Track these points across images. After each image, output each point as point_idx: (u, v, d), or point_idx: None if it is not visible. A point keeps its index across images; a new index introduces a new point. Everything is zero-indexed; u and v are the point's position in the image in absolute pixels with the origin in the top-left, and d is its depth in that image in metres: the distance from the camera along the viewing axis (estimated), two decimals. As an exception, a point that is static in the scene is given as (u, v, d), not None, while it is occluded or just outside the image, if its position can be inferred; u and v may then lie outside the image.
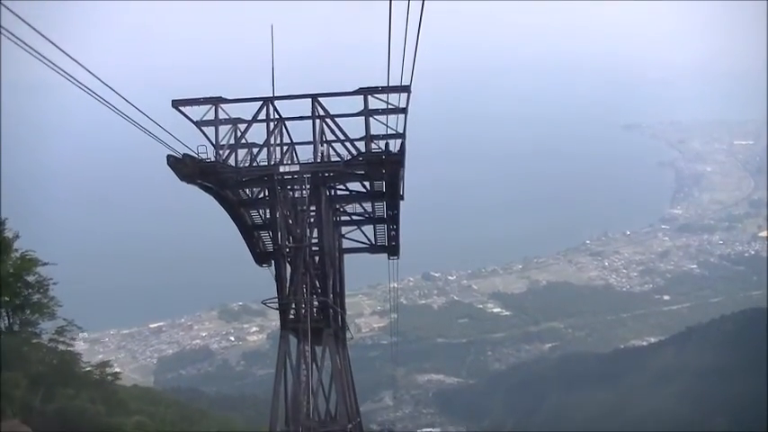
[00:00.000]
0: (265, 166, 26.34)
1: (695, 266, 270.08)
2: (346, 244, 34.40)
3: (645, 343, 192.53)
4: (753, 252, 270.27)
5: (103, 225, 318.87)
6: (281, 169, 25.64)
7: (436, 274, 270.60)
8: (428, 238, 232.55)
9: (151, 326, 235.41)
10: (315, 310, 27.54)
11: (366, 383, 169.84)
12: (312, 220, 27.49)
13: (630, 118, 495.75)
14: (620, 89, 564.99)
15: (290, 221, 27.10)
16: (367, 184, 29.13)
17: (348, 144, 26.24)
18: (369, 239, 34.02)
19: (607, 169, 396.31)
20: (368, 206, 32.00)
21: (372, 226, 33.08)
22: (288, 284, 27.54)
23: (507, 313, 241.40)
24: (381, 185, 28.37)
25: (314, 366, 27.86)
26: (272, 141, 26.74)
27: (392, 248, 34.53)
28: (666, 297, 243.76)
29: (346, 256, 34.54)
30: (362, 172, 26.72)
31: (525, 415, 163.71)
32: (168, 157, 24.01)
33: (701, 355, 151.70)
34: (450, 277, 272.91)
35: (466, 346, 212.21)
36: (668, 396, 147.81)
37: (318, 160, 26.65)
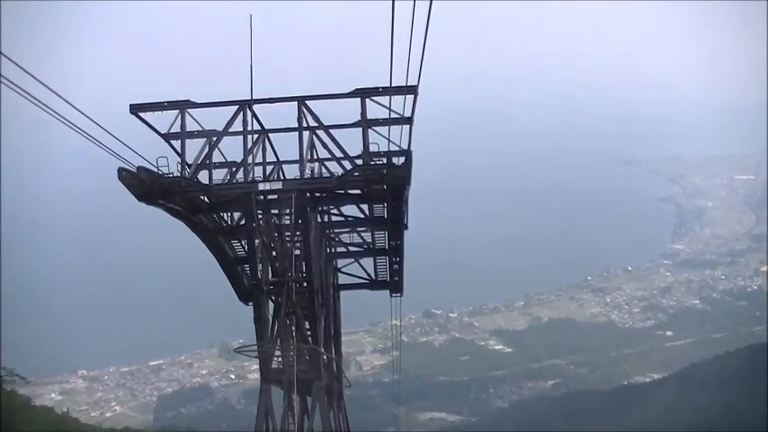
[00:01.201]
0: (241, 183, 22.19)
1: (698, 302, 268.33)
2: (342, 279, 30.84)
3: (648, 379, 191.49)
4: (755, 287, 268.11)
5: (101, 261, 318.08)
6: (261, 187, 21.51)
7: (437, 312, 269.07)
8: (429, 274, 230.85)
9: (151, 363, 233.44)
10: (303, 358, 23.82)
11: (367, 422, 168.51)
12: (299, 250, 23.40)
13: (630, 154, 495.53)
14: (619, 125, 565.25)
15: (274, 252, 23.30)
16: (366, 208, 25.59)
17: (345, 162, 22.16)
18: (368, 274, 30.42)
19: (608, 205, 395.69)
20: (367, 236, 28.71)
21: (372, 258, 29.57)
22: (270, 327, 23.75)
23: (509, 350, 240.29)
24: (382, 211, 24.75)
25: (304, 425, 24.69)
26: (252, 157, 22.83)
27: (395, 284, 30.70)
28: (669, 333, 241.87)
29: (343, 293, 31.21)
30: (360, 191, 22.82)
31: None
32: (120, 171, 20.10)
33: (706, 392, 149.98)
34: (451, 314, 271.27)
35: (468, 383, 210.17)
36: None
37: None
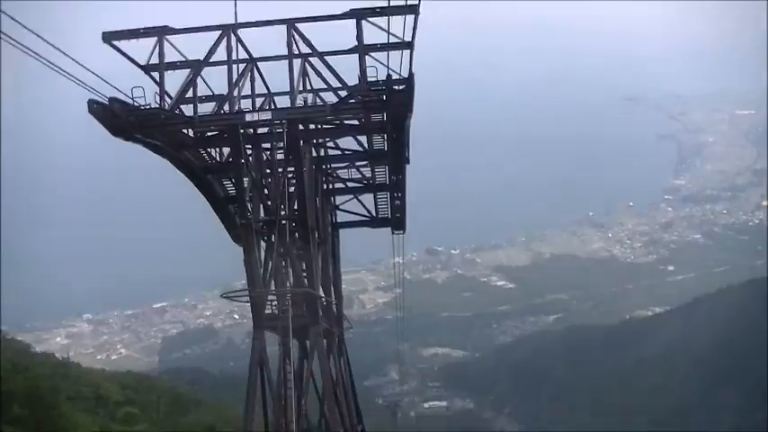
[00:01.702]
0: (227, 114, 19.64)
1: (699, 237, 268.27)
2: (341, 217, 28.31)
3: (650, 314, 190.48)
4: (757, 221, 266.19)
5: (104, 206, 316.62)
6: (248, 118, 19.25)
7: (439, 249, 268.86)
8: (430, 211, 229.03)
9: (155, 306, 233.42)
10: (298, 302, 21.52)
11: (371, 359, 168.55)
12: (294, 188, 21.07)
13: (631, 91, 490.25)
14: (620, 63, 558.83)
15: (266, 191, 21.25)
16: (364, 141, 23.27)
17: (342, 93, 19.76)
18: (369, 211, 27.93)
19: (609, 142, 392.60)
20: (367, 172, 26.03)
21: (372, 195, 26.98)
22: (262, 270, 21.50)
23: (511, 286, 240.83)
24: (382, 143, 22.45)
25: (304, 372, 22.86)
26: (239, 90, 20.29)
27: (396, 221, 28.27)
28: (671, 268, 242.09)
29: (343, 232, 28.79)
30: (357, 122, 20.66)
31: (532, 388, 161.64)
32: (90, 103, 17.60)
33: (708, 327, 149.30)
34: (453, 251, 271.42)
35: (470, 319, 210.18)
36: (676, 368, 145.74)
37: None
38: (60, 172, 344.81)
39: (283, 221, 20.02)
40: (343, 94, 19.69)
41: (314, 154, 22.84)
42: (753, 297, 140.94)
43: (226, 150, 21.97)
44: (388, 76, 18.87)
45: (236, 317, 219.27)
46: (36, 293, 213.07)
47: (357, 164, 25.74)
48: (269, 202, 21.07)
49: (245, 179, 20.86)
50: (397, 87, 18.50)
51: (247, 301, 21.42)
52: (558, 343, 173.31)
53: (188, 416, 56.41)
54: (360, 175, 26.14)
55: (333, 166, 25.56)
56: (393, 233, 29.49)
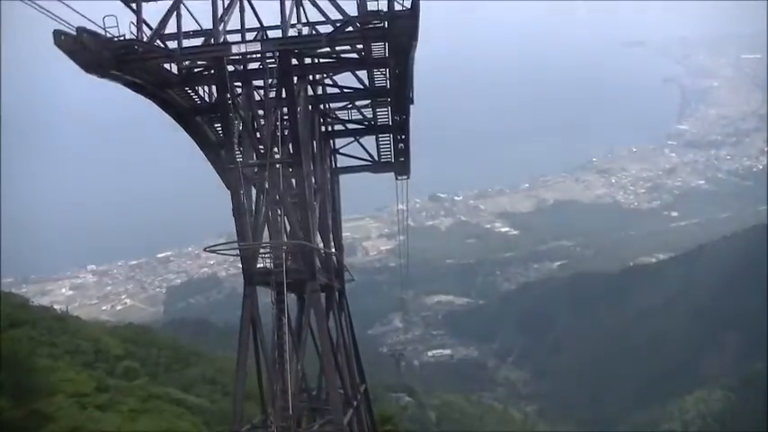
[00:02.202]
0: (211, 45, 17.42)
1: (703, 182, 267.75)
2: (342, 161, 25.76)
3: (654, 260, 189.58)
4: (761, 167, 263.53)
5: (108, 157, 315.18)
6: (235, 49, 17.04)
7: (443, 195, 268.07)
8: (433, 157, 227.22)
9: (158, 256, 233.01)
10: (293, 255, 19.32)
11: (375, 307, 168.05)
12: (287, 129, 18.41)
13: (634, 35, 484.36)
14: (624, 6, 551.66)
15: (258, 134, 18.96)
16: (365, 78, 20.92)
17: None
18: (370, 155, 25.49)
19: (612, 87, 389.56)
20: (368, 112, 23.62)
21: (374, 137, 24.58)
22: (253, 220, 19.21)
23: (515, 233, 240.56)
24: (384, 80, 20.31)
25: (300, 331, 20.22)
26: (224, 24, 17.76)
27: (400, 165, 25.85)
28: (675, 213, 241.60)
29: (344, 177, 26.27)
30: (356, 55, 18.32)
31: (536, 336, 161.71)
32: (56, 34, 15.47)
33: (713, 273, 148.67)
34: (456, 198, 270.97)
35: (474, 266, 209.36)
36: (680, 313, 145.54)
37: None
38: (61, 121, 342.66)
39: (276, 165, 18.02)
40: None
41: (310, 93, 20.63)
42: (757, 243, 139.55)
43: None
44: (390, 2, 16.27)
45: (240, 265, 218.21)
46: (40, 245, 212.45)
47: (358, 104, 23.47)
48: (261, 146, 18.67)
49: (234, 120, 18.58)
50: (400, 14, 16.08)
51: (237, 255, 19.28)
52: (561, 290, 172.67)
53: (189, 369, 55.29)
54: (361, 117, 23.85)
55: (331, 106, 23.19)
56: (396, 178, 27.19)
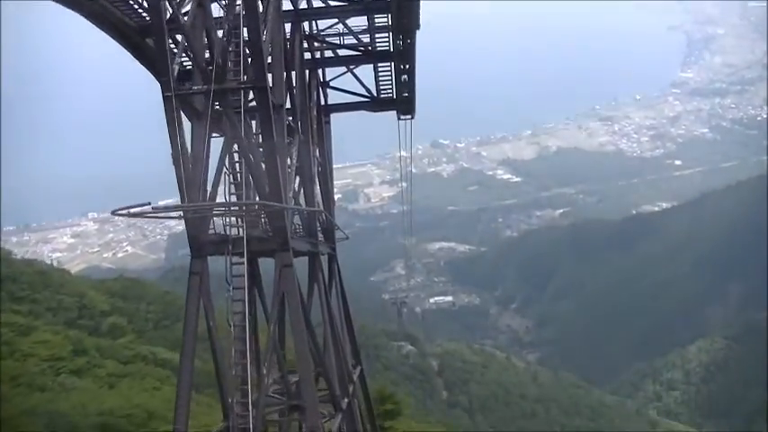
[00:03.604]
0: None
1: (707, 131, 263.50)
2: (333, 98, 20.00)
3: (657, 209, 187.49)
4: (765, 115, 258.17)
5: (110, 103, 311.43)
6: None
7: (445, 142, 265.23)
8: (434, 102, 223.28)
9: (161, 203, 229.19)
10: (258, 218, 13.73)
11: (377, 254, 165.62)
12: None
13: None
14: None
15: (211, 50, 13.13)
16: None
17: None
18: (368, 90, 19.74)
19: (616, 34, 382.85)
20: (365, 37, 18.36)
21: (372, 67, 19.11)
22: (202, 170, 13.27)
23: (517, 180, 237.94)
24: None
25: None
26: None
27: (404, 103, 20.32)
28: (678, 162, 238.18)
29: (339, 117, 20.22)
30: None
31: (539, 283, 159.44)
32: None
33: (716, 222, 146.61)
34: (458, 144, 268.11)
35: (476, 213, 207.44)
36: (683, 262, 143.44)
37: None
38: (66, 64, 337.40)
39: (232, 93, 12.60)
40: None
41: (289, 6, 15.47)
42: (760, 193, 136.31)
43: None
44: None
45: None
46: (42, 194, 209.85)
47: (352, 26, 18.01)
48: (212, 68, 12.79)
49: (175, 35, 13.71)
50: None
51: (179, 217, 13.46)
52: (564, 238, 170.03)
53: (180, 324, 51.44)
54: (355, 41, 18.44)
55: (319, 28, 17.92)
56: (399, 119, 21.63)
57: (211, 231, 13.32)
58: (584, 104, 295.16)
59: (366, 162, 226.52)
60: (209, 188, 13.03)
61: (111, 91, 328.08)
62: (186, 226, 13.16)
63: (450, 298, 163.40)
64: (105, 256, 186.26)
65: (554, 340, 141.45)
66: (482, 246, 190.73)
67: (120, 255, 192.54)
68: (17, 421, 20.83)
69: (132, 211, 11.51)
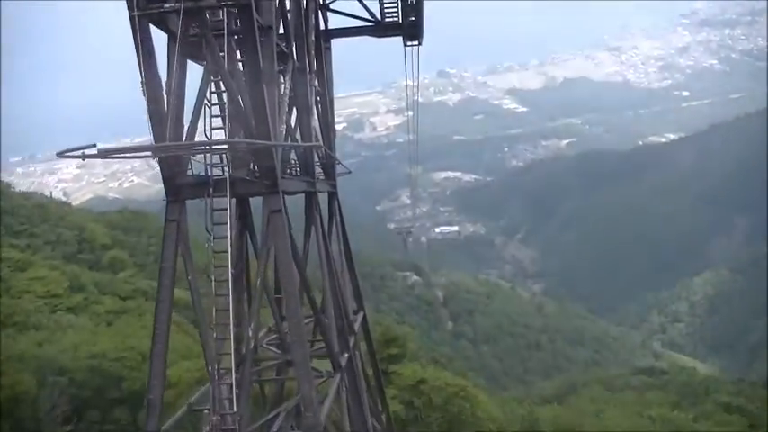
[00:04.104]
0: None
1: (716, 62, 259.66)
2: (334, 22, 16.75)
3: (664, 140, 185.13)
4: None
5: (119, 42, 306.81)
6: None
7: (451, 71, 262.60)
8: (439, 29, 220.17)
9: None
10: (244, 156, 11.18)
11: (383, 183, 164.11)
12: None
13: None
14: None
15: None
16: None
17: None
18: (371, 13, 17.34)
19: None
20: None
21: None
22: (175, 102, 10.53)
23: (523, 109, 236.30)
24: None
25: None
26: None
27: (410, 27, 17.54)
28: (686, 93, 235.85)
29: (337, 44, 17.53)
30: None
31: (544, 213, 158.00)
32: None
33: (724, 154, 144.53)
34: (465, 74, 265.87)
35: (482, 143, 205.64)
36: (690, 195, 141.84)
37: None
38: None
39: (211, 12, 10.14)
40: None
41: None
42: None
43: None
44: None
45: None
46: (48, 124, 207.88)
47: None
48: None
49: None
50: None
51: (150, 156, 10.39)
52: (570, 168, 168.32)
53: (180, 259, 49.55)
54: None
55: None
56: (405, 45, 19.05)
57: (190, 174, 10.91)
58: (591, 34, 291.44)
59: (372, 91, 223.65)
60: (186, 124, 10.42)
61: (120, 18, 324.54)
62: (160, 167, 10.75)
63: (455, 228, 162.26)
64: (111, 186, 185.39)
65: (559, 271, 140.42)
66: (488, 175, 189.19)
67: (126, 185, 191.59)
68: (5, 366, 19.38)
69: (87, 152, 8.81)
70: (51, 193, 69.66)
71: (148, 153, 9.30)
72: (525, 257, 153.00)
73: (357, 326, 16.33)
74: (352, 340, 15.14)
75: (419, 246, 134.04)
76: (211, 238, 9.73)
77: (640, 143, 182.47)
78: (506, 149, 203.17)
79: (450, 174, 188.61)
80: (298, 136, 13.20)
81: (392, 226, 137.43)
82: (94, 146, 8.06)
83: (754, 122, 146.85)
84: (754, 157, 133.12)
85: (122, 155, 9.28)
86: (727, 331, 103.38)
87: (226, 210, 9.87)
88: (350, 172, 18.36)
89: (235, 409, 10.13)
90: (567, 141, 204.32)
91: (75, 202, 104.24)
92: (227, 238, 9.96)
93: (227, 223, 9.85)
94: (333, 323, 13.57)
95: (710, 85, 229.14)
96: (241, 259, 11.85)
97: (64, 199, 76.56)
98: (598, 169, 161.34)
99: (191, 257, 10.53)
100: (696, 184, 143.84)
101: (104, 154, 8.21)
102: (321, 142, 14.53)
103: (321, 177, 14.89)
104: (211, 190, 9.85)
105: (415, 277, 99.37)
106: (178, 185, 10.27)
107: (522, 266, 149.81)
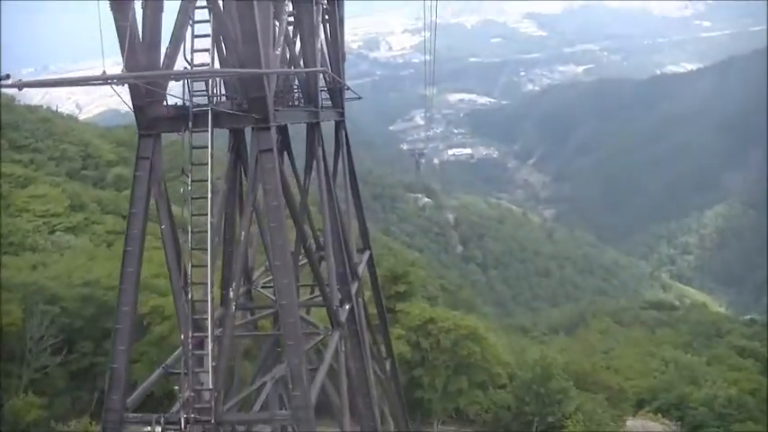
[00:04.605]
0: None
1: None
2: None
3: (682, 69, 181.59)
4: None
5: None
6: None
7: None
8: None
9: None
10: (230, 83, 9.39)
11: (397, 103, 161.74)
12: None
13: None
14: None
15: None
16: None
17: None
18: None
19: None
20: None
21: None
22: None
23: (541, 33, 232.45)
24: None
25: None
26: None
27: None
28: (706, 23, 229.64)
29: None
30: None
31: (559, 139, 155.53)
32: None
33: (742, 86, 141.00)
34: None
35: (499, 66, 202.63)
36: (706, 126, 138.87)
37: None
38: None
39: None
40: None
41: None
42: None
43: None
44: None
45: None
46: (61, 34, 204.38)
47: None
48: None
49: None
50: None
51: (120, 83, 7.25)
52: (586, 95, 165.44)
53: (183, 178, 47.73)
54: None
55: None
56: None
57: (172, 104, 8.69)
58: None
59: (386, 7, 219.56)
60: (164, 48, 8.30)
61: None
62: (131, 95, 8.53)
63: (468, 150, 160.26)
64: (127, 98, 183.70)
65: (571, 197, 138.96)
66: (503, 99, 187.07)
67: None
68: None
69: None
70: (58, 106, 66.90)
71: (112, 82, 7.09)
72: (537, 182, 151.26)
73: (362, 267, 14.30)
74: (355, 287, 13.10)
75: (431, 167, 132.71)
76: (189, 181, 7.83)
77: (658, 72, 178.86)
78: (523, 73, 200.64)
79: (466, 96, 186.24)
80: (302, 62, 11.03)
81: (405, 147, 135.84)
82: (7, 76, 6.04)
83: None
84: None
85: (87, 82, 7.12)
86: (736, 266, 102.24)
87: (207, 147, 7.95)
88: (360, 98, 15.78)
89: (211, 384, 8.38)
90: (585, 68, 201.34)
91: (88, 115, 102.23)
92: (206, 180, 8.07)
93: (207, 164, 7.96)
94: (333, 273, 11.61)
95: (731, 16, 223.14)
96: (233, 201, 9.96)
97: (76, 112, 74.34)
98: (614, 97, 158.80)
99: (165, 202, 8.57)
100: (712, 115, 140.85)
101: (22, 85, 6.20)
102: (328, 66, 12.34)
103: (327, 105, 12.70)
104: (190, 123, 7.91)
105: (426, 199, 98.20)
106: (152, 117, 8.36)
107: (534, 191, 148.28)
